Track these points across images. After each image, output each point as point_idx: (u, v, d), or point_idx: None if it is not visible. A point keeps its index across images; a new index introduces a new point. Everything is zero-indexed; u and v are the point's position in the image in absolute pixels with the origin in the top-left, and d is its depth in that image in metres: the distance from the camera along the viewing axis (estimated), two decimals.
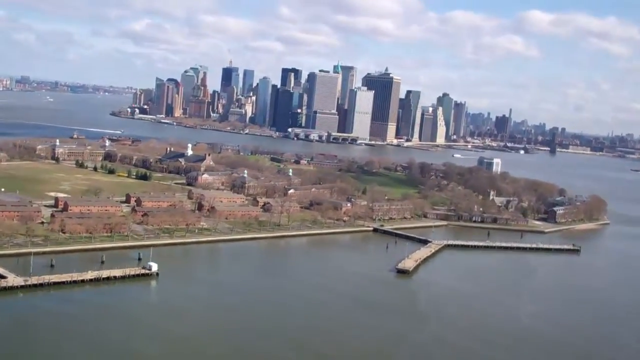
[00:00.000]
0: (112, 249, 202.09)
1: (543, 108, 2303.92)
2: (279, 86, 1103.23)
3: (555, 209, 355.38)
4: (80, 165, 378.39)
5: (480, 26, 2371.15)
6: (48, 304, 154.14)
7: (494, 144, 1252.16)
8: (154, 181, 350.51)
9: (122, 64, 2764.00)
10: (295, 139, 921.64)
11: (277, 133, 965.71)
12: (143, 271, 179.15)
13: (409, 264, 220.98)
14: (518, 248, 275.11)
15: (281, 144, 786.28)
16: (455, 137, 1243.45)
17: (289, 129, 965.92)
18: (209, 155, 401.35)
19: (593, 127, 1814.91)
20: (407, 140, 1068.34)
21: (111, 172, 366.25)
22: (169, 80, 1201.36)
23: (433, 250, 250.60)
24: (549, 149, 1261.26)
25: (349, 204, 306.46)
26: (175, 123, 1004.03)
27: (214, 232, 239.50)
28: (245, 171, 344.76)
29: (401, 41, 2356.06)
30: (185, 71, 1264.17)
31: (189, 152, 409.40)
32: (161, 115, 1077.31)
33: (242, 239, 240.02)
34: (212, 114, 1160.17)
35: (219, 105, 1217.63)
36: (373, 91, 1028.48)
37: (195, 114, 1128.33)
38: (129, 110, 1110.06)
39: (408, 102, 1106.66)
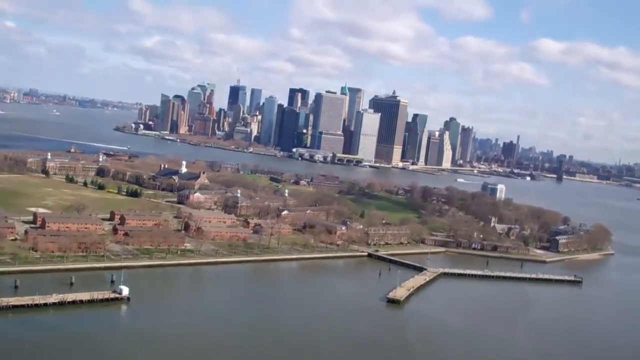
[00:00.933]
0: (84, 270, 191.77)
1: (551, 135, 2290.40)
2: (285, 106, 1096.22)
3: (557, 237, 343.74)
4: (70, 180, 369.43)
5: (490, 53, 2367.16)
6: (4, 328, 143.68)
7: (500, 169, 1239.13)
8: (145, 198, 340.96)
9: (132, 80, 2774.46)
10: (300, 159, 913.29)
11: (282, 153, 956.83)
12: (113, 295, 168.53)
13: (400, 292, 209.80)
14: (517, 278, 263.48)
15: (284, 164, 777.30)
16: (461, 161, 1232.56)
17: (294, 149, 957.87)
18: (204, 173, 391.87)
19: (601, 155, 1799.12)
20: (413, 163, 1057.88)
21: (101, 187, 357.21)
22: (176, 97, 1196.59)
23: (428, 279, 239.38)
24: (555, 176, 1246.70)
25: (344, 228, 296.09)
26: (179, 140, 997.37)
27: (197, 254, 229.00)
28: (239, 191, 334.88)
29: (411, 65, 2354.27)
30: (192, 88, 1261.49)
31: (184, 169, 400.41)
32: (165, 132, 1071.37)
33: (226, 262, 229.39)
34: (217, 131, 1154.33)
35: (225, 123, 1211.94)
36: (379, 114, 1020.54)
37: (200, 131, 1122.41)
38: (133, 125, 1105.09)
39: (415, 125, 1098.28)
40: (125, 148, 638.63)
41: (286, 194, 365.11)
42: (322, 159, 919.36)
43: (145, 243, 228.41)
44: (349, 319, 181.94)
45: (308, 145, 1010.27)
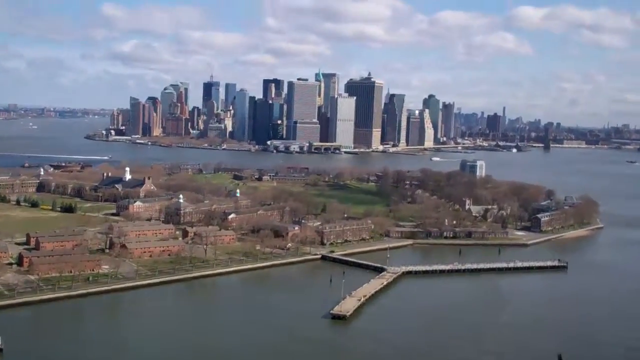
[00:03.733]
0: None
1: (538, 104, 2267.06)
2: (258, 98, 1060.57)
3: (539, 215, 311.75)
4: (1, 199, 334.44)
5: (470, 25, 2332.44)
6: None
7: (485, 143, 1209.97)
8: (80, 213, 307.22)
9: (114, 86, 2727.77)
10: (275, 151, 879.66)
11: (256, 147, 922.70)
12: None
13: (348, 305, 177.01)
14: (492, 269, 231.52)
15: (257, 158, 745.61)
16: (445, 139, 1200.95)
17: (268, 142, 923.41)
18: (149, 178, 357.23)
19: (589, 120, 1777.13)
20: (394, 145, 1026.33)
21: (34, 205, 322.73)
22: (149, 98, 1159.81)
23: (386, 282, 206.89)
24: (542, 145, 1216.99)
25: (296, 228, 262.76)
26: (149, 143, 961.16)
27: (112, 278, 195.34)
28: (181, 196, 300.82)
29: (391, 46, 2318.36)
30: (165, 89, 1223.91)
31: (127, 176, 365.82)
32: (137, 136, 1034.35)
33: (147, 284, 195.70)
34: (191, 130, 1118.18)
35: (200, 121, 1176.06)
36: (354, 97, 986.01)
37: (173, 132, 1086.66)
38: (104, 132, 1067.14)
39: (392, 106, 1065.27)
40: (106, 158, 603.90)
41: (237, 194, 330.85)
42: (298, 150, 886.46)
43: (53, 270, 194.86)
44: (279, 349, 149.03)
45: (284, 136, 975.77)
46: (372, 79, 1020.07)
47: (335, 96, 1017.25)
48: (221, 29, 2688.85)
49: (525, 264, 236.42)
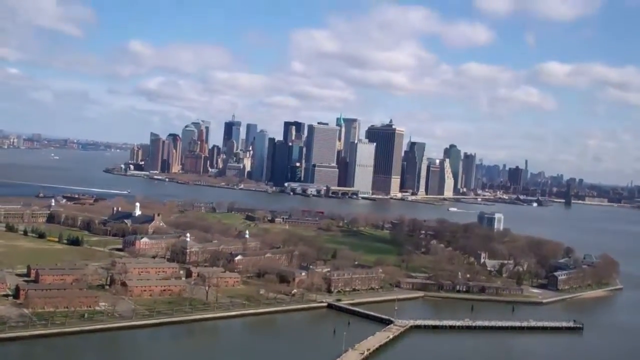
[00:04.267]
0: None
1: (561, 159, 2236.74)
2: (277, 140, 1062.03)
3: (557, 273, 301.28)
4: (9, 228, 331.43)
5: (495, 78, 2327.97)
6: None
7: (505, 196, 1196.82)
8: (87, 247, 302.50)
9: (138, 121, 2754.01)
10: (292, 193, 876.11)
11: (274, 188, 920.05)
12: None
13: (350, 358, 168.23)
14: (505, 328, 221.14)
15: (274, 200, 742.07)
16: (465, 190, 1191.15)
17: (285, 184, 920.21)
18: (159, 215, 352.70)
19: (612, 178, 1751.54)
20: (413, 193, 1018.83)
21: (42, 236, 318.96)
22: (170, 135, 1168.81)
23: (392, 335, 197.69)
24: (563, 200, 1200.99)
25: (303, 274, 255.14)
26: (167, 179, 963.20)
27: (109, 316, 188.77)
28: (188, 235, 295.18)
29: (415, 94, 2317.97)
30: (186, 126, 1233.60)
31: (137, 212, 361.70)
32: (155, 171, 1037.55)
33: (144, 325, 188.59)
34: (210, 169, 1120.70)
35: (219, 160, 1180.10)
36: (375, 143, 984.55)
37: (191, 169, 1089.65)
38: (122, 166, 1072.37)
39: (413, 154, 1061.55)
40: (125, 192, 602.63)
41: (247, 235, 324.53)
42: (315, 193, 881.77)
43: (48, 305, 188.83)
44: None
45: (302, 179, 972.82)
46: (392, 126, 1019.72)
47: (356, 141, 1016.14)
48: (247, 70, 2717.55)
49: (539, 324, 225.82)
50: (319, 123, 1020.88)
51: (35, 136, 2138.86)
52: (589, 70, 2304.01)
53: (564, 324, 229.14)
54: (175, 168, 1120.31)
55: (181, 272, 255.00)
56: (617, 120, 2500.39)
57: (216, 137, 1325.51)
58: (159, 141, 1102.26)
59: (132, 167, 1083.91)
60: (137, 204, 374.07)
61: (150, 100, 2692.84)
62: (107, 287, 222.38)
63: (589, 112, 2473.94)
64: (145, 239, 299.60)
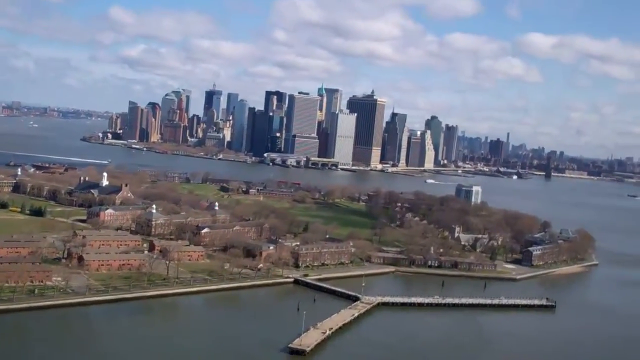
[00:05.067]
0: None
1: (543, 132, 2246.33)
2: (257, 109, 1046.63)
3: (531, 249, 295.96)
4: None
5: (480, 49, 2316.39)
6: None
7: (486, 168, 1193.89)
8: (50, 217, 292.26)
9: (120, 89, 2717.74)
10: (271, 164, 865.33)
11: (253, 158, 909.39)
12: None
13: (309, 339, 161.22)
14: (475, 305, 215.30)
15: (253, 171, 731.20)
16: (445, 161, 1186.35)
17: (265, 154, 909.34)
18: (127, 185, 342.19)
19: (594, 151, 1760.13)
20: (393, 165, 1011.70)
21: (3, 206, 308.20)
22: (149, 104, 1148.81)
23: (357, 313, 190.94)
24: (544, 173, 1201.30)
25: (271, 247, 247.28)
26: (145, 148, 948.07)
27: (61, 292, 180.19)
28: (154, 206, 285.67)
29: (400, 65, 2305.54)
30: (166, 94, 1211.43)
31: (105, 182, 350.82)
32: (133, 140, 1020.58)
33: (97, 301, 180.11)
34: (190, 139, 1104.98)
35: (199, 129, 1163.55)
36: (355, 114, 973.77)
37: (170, 138, 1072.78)
38: (100, 135, 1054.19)
39: (394, 125, 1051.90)
40: (106, 162, 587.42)
41: (216, 207, 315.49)
42: (295, 164, 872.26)
43: None
44: None
45: (282, 150, 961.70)
46: (374, 97, 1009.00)
47: (337, 112, 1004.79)
48: (229, 39, 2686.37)
49: (511, 302, 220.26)
50: (299, 93, 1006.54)
51: (15, 104, 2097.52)
52: (573, 42, 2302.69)
53: (536, 302, 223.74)
54: (154, 137, 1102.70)
55: (145, 245, 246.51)
56: (600, 93, 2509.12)
57: (198, 107, 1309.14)
58: (138, 109, 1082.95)
59: (109, 135, 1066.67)
60: (105, 174, 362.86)
61: (133, 68, 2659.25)
62: (63, 260, 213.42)
63: (573, 85, 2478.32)
64: (110, 210, 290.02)
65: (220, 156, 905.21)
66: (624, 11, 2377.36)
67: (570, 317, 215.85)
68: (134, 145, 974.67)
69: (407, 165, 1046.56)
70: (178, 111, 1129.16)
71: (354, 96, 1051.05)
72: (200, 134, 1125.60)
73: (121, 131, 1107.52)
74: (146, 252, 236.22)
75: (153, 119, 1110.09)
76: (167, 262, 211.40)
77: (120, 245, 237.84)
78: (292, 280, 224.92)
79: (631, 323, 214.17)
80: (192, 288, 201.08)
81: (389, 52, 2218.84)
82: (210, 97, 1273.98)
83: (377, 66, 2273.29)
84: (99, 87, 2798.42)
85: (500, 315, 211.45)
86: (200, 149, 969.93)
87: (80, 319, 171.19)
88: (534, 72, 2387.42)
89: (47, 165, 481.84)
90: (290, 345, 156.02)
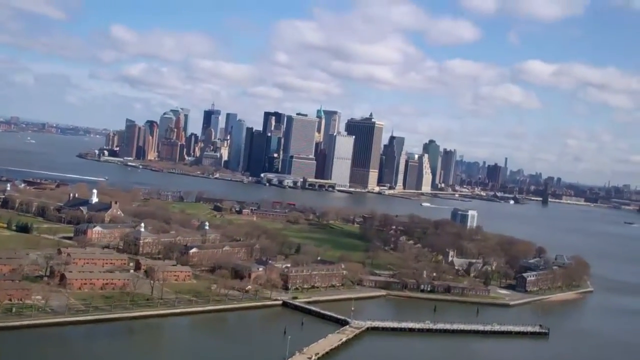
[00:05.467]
0: None
1: (541, 158, 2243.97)
2: (255, 129, 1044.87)
3: (525, 274, 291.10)
4: None
5: (479, 75, 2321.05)
6: None
7: (483, 193, 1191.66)
8: (36, 234, 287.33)
9: (120, 107, 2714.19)
10: (268, 184, 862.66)
11: (250, 178, 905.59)
12: None
13: None
14: (467, 331, 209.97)
15: (249, 191, 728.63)
16: (443, 185, 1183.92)
17: (262, 174, 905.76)
18: (116, 203, 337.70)
19: (592, 178, 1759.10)
20: (390, 187, 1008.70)
21: None
22: (147, 122, 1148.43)
23: (345, 338, 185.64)
24: (541, 199, 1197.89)
25: (260, 269, 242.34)
26: (141, 166, 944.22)
27: (39, 311, 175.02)
28: (142, 224, 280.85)
29: (400, 89, 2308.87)
30: (165, 113, 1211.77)
31: (94, 199, 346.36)
32: (129, 158, 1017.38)
33: (75, 322, 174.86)
34: (187, 157, 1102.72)
35: (197, 148, 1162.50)
36: (353, 136, 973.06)
37: (167, 157, 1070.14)
38: (96, 152, 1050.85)
39: (392, 148, 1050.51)
40: (102, 179, 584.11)
41: (206, 227, 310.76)
42: (291, 184, 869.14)
43: None
44: None
45: (279, 170, 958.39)
46: (372, 120, 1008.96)
47: (333, 134, 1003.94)
48: (230, 59, 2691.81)
49: (503, 328, 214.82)
50: (297, 114, 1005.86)
51: (14, 119, 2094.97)
52: (571, 70, 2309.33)
53: (529, 329, 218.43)
54: (152, 155, 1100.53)
55: (131, 264, 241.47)
56: (598, 120, 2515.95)
57: (197, 126, 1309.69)
58: (135, 127, 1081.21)
59: (106, 152, 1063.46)
60: (95, 191, 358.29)
61: (133, 86, 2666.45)
62: (45, 278, 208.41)
63: (571, 112, 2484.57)
64: (97, 228, 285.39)
65: (217, 175, 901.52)
66: (621, 40, 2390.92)
67: (563, 344, 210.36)
68: (129, 163, 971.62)
69: (404, 188, 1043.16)
70: (175, 130, 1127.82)
71: (352, 119, 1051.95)
72: (198, 153, 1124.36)
73: (118, 148, 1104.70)
74: (132, 271, 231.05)
75: (150, 137, 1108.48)
76: (152, 281, 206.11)
77: (106, 263, 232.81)
78: (280, 302, 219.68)
79: (625, 352, 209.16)
80: (176, 309, 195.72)
81: (389, 76, 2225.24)
82: (209, 116, 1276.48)
83: (376, 90, 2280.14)
84: (98, 105, 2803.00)
85: (492, 342, 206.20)
86: (197, 168, 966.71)
87: (57, 340, 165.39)
88: (532, 98, 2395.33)
89: (38, 180, 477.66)
90: None
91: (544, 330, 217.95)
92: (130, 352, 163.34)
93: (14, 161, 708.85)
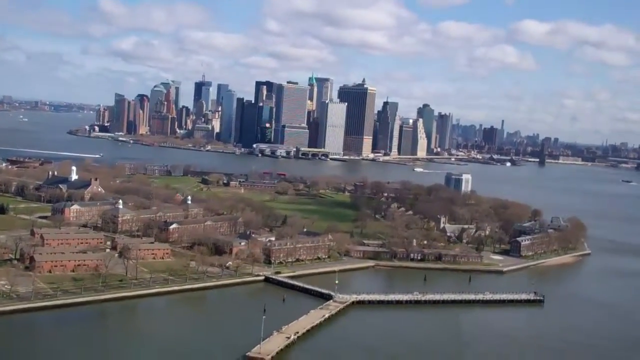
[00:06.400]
0: None
1: (538, 119, 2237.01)
2: (246, 99, 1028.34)
3: (520, 239, 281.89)
4: None
5: (473, 37, 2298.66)
6: None
7: (479, 156, 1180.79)
8: (12, 215, 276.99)
9: (113, 82, 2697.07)
10: (260, 155, 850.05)
11: (242, 149, 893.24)
12: None
13: (272, 345, 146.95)
14: (457, 301, 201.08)
15: (241, 162, 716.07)
16: (438, 149, 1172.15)
17: (254, 145, 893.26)
18: (96, 179, 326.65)
19: (589, 137, 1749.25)
20: (385, 154, 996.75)
21: None
22: (138, 96, 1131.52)
23: (328, 314, 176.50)
24: (537, 160, 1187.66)
25: (242, 243, 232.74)
26: (131, 141, 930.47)
27: (4, 297, 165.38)
28: (120, 201, 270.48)
29: (394, 54, 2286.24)
30: (155, 86, 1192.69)
31: (74, 176, 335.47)
32: (120, 133, 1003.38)
33: (42, 307, 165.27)
34: (179, 130, 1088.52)
35: (188, 121, 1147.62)
36: (346, 103, 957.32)
37: (158, 131, 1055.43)
38: (87, 128, 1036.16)
39: (385, 114, 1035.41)
40: (97, 155, 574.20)
41: (189, 201, 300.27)
42: (284, 154, 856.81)
43: None
44: None
45: (272, 140, 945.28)
46: (365, 85, 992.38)
47: (325, 101, 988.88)
48: (222, 29, 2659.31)
49: (496, 297, 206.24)
50: (288, 82, 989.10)
51: (6, 98, 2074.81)
52: (567, 28, 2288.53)
53: (523, 297, 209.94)
54: (143, 130, 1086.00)
55: (108, 243, 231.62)
56: (595, 79, 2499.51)
57: (190, 99, 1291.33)
58: (124, 102, 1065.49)
59: (96, 128, 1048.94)
60: (74, 168, 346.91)
61: (125, 61, 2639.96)
62: (15, 262, 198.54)
63: (567, 72, 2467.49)
64: (75, 206, 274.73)
65: (209, 148, 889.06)
66: None
67: (559, 312, 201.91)
68: (120, 138, 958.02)
69: (399, 154, 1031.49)
70: (166, 103, 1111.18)
71: (344, 85, 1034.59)
72: (190, 126, 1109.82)
73: (109, 124, 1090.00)
74: (108, 250, 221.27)
75: (141, 111, 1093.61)
76: (127, 261, 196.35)
77: (81, 243, 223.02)
78: (262, 278, 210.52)
79: (622, 318, 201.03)
80: (151, 290, 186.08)
81: (383, 41, 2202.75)
82: (200, 88, 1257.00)
83: (370, 56, 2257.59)
84: (91, 81, 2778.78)
85: (484, 311, 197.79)
86: (189, 141, 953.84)
87: (23, 328, 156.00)
88: (528, 59, 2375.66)
89: (22, 159, 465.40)
90: (247, 353, 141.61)
91: (538, 298, 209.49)
92: (101, 337, 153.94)
93: (2, 140, 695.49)
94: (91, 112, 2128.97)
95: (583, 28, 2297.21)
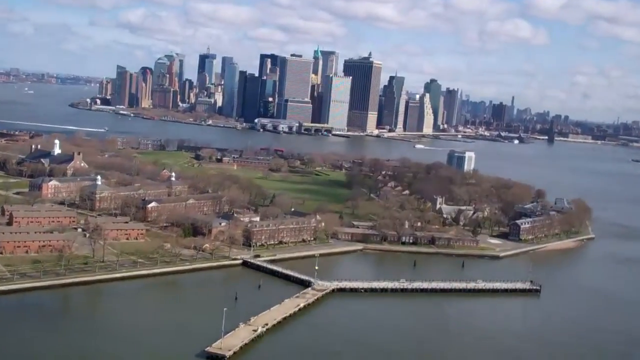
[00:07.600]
0: None
1: (550, 96, 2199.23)
2: (248, 73, 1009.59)
3: (519, 221, 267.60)
4: None
5: (485, 11, 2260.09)
6: None
7: (487, 133, 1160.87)
8: None
9: (121, 55, 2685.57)
10: (262, 130, 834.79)
11: (244, 124, 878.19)
12: None
13: (235, 339, 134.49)
14: (447, 290, 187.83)
15: (242, 137, 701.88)
16: (445, 126, 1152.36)
17: (256, 120, 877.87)
18: (79, 154, 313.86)
19: (601, 115, 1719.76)
20: (390, 130, 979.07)
21: None
22: (141, 68, 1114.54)
23: (304, 303, 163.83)
24: (546, 137, 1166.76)
25: (223, 224, 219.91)
26: (132, 114, 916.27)
27: None
28: (99, 177, 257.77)
29: (404, 28, 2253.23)
30: (159, 59, 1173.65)
31: (57, 150, 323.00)
32: (121, 107, 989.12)
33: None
34: (181, 104, 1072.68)
35: (192, 94, 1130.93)
36: (350, 77, 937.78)
37: (160, 104, 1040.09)
38: (88, 101, 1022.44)
39: (391, 89, 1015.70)
40: (103, 129, 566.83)
41: (173, 178, 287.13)
42: (286, 130, 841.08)
43: None
44: None
45: (274, 115, 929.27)
46: (370, 59, 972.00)
47: (329, 75, 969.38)
48: (230, 1, 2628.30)
49: (489, 286, 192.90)
50: (292, 55, 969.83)
51: (14, 70, 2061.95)
52: (580, 3, 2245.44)
53: (519, 286, 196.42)
54: (145, 103, 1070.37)
55: (82, 222, 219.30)
56: (608, 55, 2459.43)
57: (195, 72, 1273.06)
58: (126, 74, 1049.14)
59: (98, 101, 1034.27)
60: (57, 142, 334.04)
61: (133, 33, 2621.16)
62: None
63: (580, 47, 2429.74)
64: (53, 182, 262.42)
65: (210, 122, 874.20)
66: None
67: (556, 303, 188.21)
68: (121, 112, 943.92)
69: (404, 130, 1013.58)
70: (168, 75, 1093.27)
71: (350, 59, 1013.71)
72: (192, 100, 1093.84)
73: (110, 97, 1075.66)
74: (80, 230, 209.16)
75: (144, 84, 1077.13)
76: (93, 242, 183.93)
77: (52, 222, 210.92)
78: (240, 262, 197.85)
79: (624, 309, 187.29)
80: (116, 274, 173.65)
81: (392, 14, 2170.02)
82: (204, 61, 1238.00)
83: (380, 29, 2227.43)
84: (99, 53, 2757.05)
85: (475, 301, 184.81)
86: (190, 115, 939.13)
87: None
88: (541, 34, 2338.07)
89: (12, 132, 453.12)
90: (207, 348, 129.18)
91: (535, 287, 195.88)
92: (55, 324, 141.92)
93: (4, 112, 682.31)
94: (97, 85, 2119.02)
95: (597, 3, 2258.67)
